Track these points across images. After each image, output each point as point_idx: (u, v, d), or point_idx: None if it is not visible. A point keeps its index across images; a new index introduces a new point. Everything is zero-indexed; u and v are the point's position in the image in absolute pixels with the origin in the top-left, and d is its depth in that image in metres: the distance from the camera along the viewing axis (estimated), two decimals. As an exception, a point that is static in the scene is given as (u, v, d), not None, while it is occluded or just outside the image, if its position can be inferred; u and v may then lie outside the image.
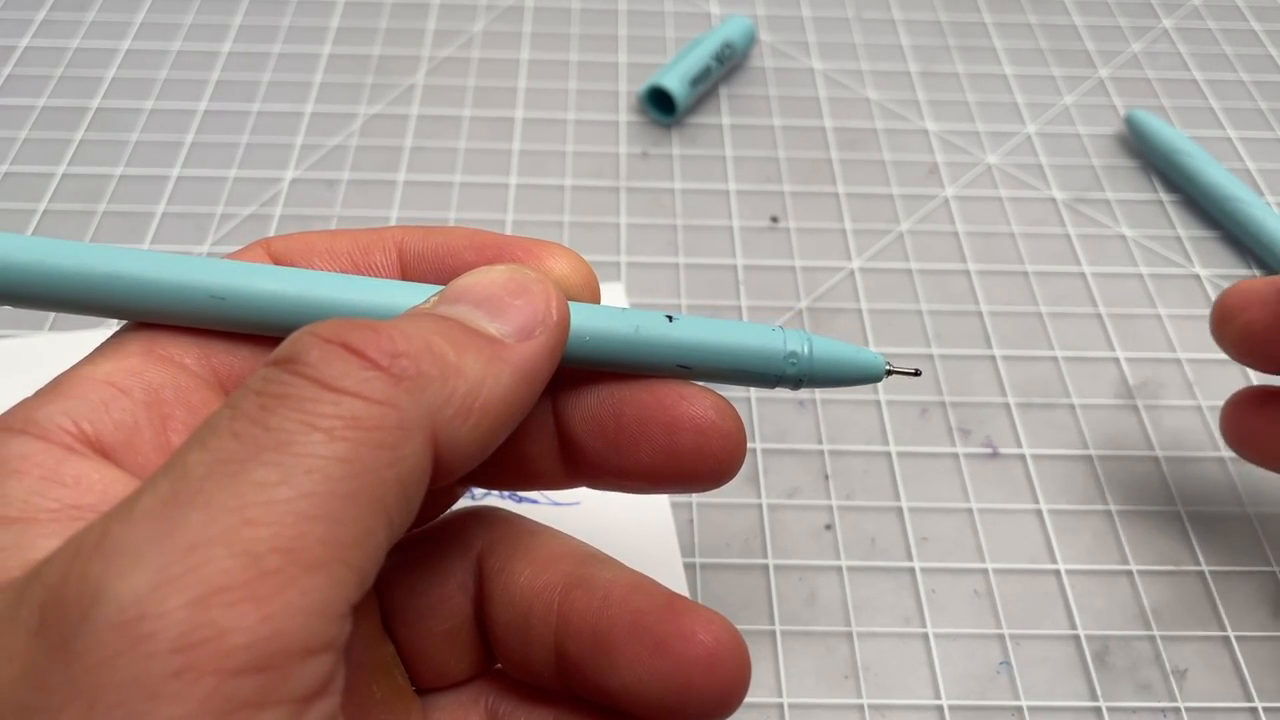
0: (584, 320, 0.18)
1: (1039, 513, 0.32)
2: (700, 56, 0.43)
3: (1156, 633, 0.29)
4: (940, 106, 0.45)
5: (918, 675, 0.28)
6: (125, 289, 0.17)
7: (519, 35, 0.47)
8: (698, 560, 0.30)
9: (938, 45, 0.48)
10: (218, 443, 0.13)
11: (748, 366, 0.19)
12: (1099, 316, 0.37)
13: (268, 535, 0.12)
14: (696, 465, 0.18)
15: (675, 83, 0.42)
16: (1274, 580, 0.30)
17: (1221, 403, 0.29)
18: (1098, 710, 0.28)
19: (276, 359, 0.14)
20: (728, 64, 0.45)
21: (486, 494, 0.30)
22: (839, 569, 0.30)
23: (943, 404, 0.34)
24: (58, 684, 0.12)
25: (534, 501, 0.30)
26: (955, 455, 0.33)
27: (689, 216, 0.40)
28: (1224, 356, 0.28)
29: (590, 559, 0.19)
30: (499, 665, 0.20)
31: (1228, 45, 0.49)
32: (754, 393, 0.34)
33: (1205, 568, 0.30)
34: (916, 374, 0.21)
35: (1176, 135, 0.42)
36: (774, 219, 0.40)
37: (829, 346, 0.19)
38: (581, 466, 0.19)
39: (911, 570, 0.30)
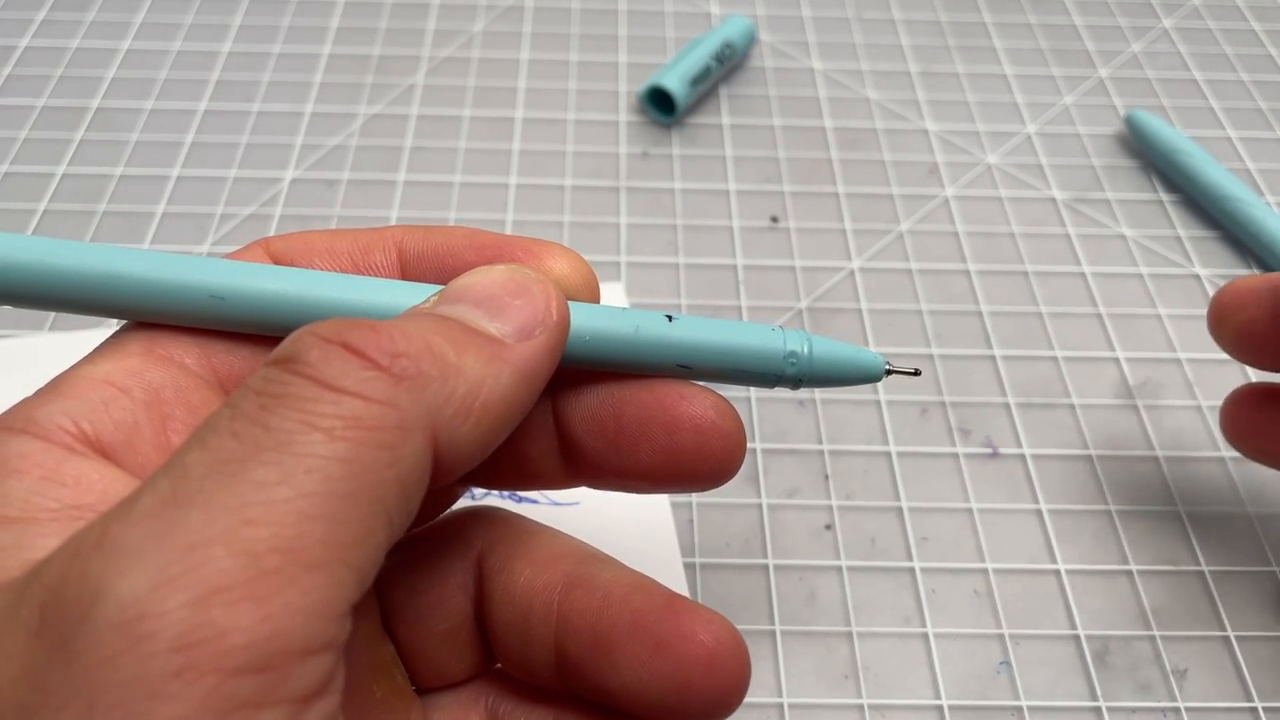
0: (584, 320, 0.18)
1: (1039, 513, 0.32)
2: (700, 56, 0.43)
3: (1156, 633, 0.29)
4: (940, 106, 0.45)
5: (918, 675, 0.28)
6: (125, 289, 0.17)
7: (519, 35, 0.47)
8: (698, 560, 0.30)
9: (938, 45, 0.48)
10: (218, 442, 0.13)
11: (747, 366, 0.19)
12: (1099, 316, 0.37)
13: (267, 535, 0.12)
14: (696, 465, 0.18)
15: (675, 83, 0.42)
16: (1274, 580, 0.30)
17: (1221, 402, 0.29)
18: (1098, 710, 0.28)
19: (276, 359, 0.14)
20: (728, 64, 0.45)
21: (486, 494, 0.30)
22: (839, 569, 0.30)
23: (943, 404, 0.34)
24: (57, 684, 0.12)
25: (534, 501, 0.30)
26: (955, 455, 0.33)
27: (689, 216, 0.40)
28: (1224, 356, 0.28)
29: (590, 559, 0.19)
30: (499, 665, 0.20)
31: (1228, 45, 0.49)
32: (754, 393, 0.34)
33: (1205, 568, 0.30)
34: (916, 374, 0.21)
35: (1176, 135, 0.42)
36: (774, 219, 0.40)
37: (829, 346, 0.19)
38: (581, 466, 0.19)
39: (911, 570, 0.30)
